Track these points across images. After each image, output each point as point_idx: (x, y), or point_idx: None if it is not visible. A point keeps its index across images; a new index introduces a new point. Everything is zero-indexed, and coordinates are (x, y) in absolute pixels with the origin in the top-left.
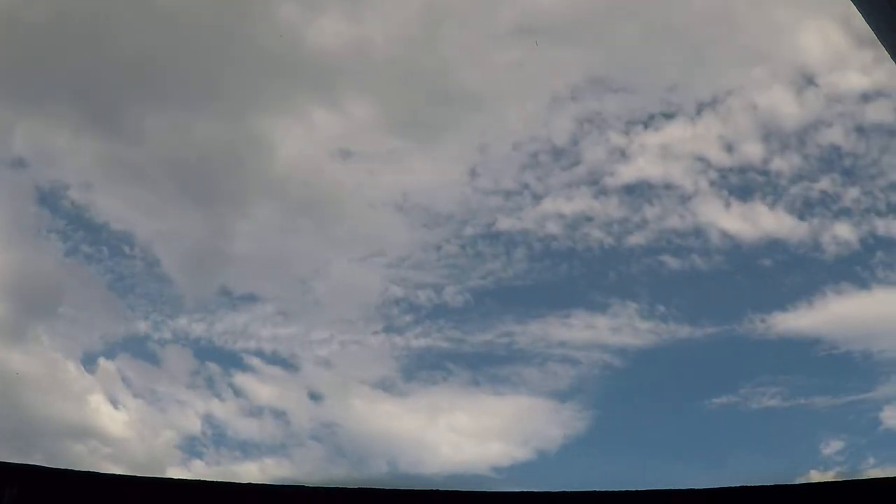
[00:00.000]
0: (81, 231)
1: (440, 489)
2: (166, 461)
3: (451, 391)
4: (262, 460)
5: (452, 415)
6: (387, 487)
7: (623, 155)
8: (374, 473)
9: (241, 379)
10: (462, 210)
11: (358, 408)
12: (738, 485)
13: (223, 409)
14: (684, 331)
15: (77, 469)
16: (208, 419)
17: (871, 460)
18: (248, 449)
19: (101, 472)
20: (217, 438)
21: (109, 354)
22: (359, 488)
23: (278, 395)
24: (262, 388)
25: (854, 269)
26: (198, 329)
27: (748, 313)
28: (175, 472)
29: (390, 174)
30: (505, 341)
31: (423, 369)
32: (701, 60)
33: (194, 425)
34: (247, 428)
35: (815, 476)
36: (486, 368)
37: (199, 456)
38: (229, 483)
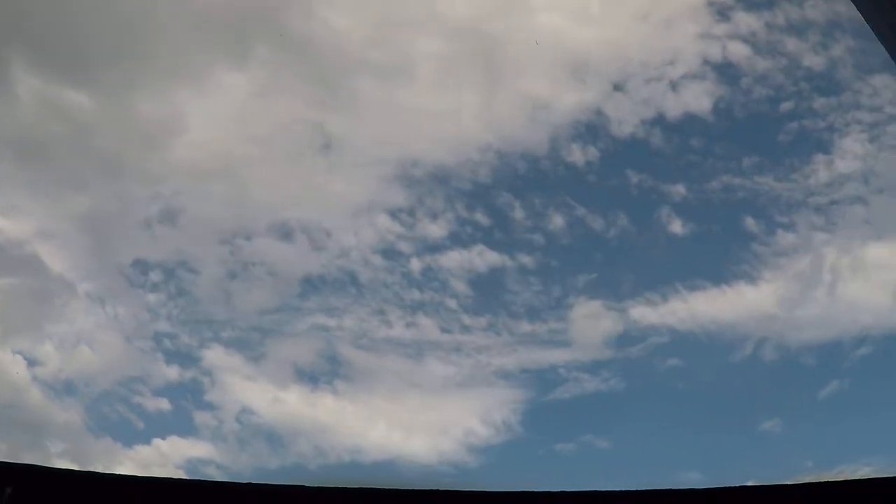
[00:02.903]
0: None
1: (440, 489)
2: None
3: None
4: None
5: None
6: (387, 487)
7: None
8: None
9: None
10: None
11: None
12: (738, 485)
13: None
14: None
15: (74, 469)
16: None
17: None
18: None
19: (100, 472)
20: None
21: None
22: (359, 488)
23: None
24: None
25: None
26: None
27: None
28: None
29: None
30: None
31: None
32: None
33: None
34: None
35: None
36: None
37: None
38: (229, 483)
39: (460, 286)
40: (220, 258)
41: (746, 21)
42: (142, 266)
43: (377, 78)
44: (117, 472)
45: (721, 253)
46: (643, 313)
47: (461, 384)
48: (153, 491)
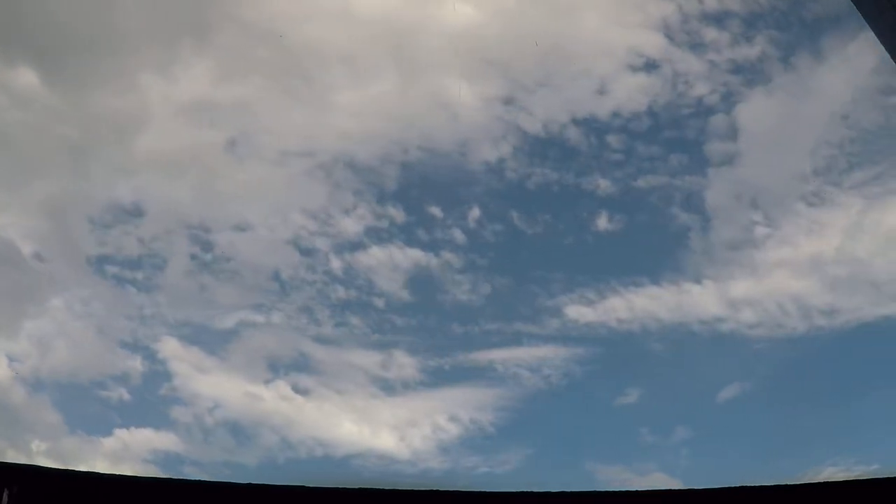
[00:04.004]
0: None
1: (440, 489)
2: None
3: None
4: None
5: None
6: (387, 488)
7: None
8: None
9: None
10: None
11: None
12: (738, 485)
13: None
14: None
15: (76, 469)
16: None
17: None
18: None
19: (101, 472)
20: None
21: None
22: (359, 488)
23: None
24: None
25: None
26: None
27: None
28: None
29: None
30: None
31: None
32: None
33: None
34: None
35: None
36: None
37: None
38: (229, 483)
39: (386, 284)
40: (182, 253)
41: (665, 13)
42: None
43: (283, 73)
44: (117, 473)
45: (651, 249)
46: (580, 312)
47: (421, 384)
48: (153, 491)
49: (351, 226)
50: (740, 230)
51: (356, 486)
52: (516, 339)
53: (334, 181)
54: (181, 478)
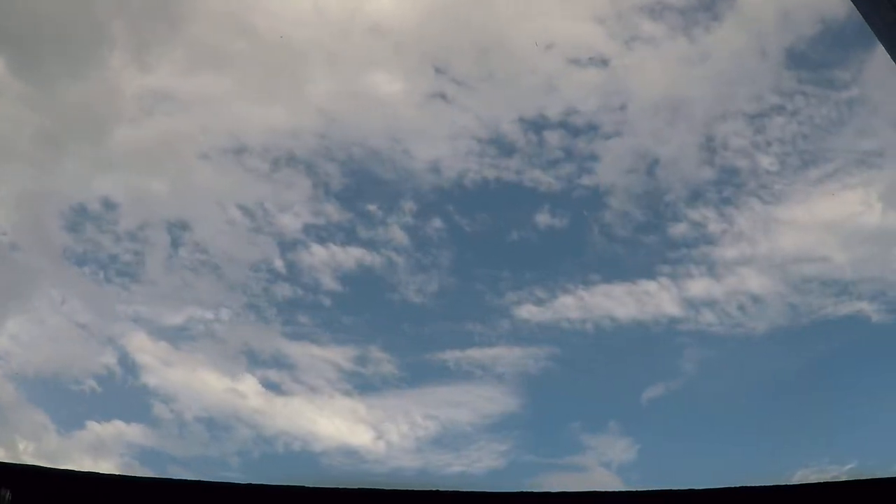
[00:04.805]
0: None
1: (440, 489)
2: None
3: None
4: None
5: None
6: (386, 488)
7: None
8: None
9: None
10: None
11: None
12: (738, 485)
13: None
14: None
15: (74, 469)
16: None
17: None
18: None
19: (100, 472)
20: None
21: None
22: (359, 488)
23: None
24: None
25: None
26: None
27: None
28: None
29: None
30: None
31: None
32: None
33: None
34: None
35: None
36: None
37: None
38: (229, 483)
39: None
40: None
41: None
42: None
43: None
44: (118, 473)
45: (601, 247)
46: (531, 312)
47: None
48: (153, 491)
49: (290, 222)
50: (695, 227)
51: (356, 487)
52: (468, 339)
53: (271, 177)
54: (181, 478)
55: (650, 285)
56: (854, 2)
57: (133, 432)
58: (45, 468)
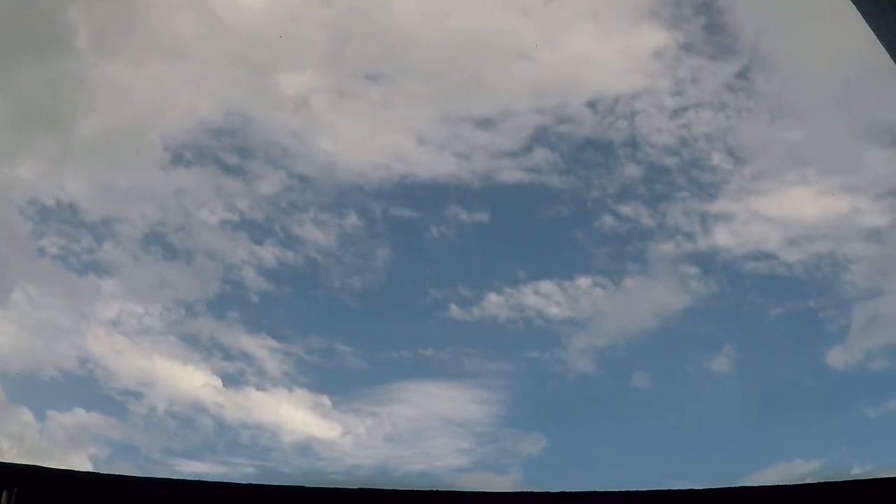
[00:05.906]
0: None
1: (440, 489)
2: None
3: None
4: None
5: None
6: (387, 488)
7: None
8: None
9: None
10: None
11: None
12: (738, 485)
13: None
14: None
15: (77, 469)
16: None
17: None
18: None
19: (101, 472)
20: None
21: None
22: (359, 488)
23: None
24: None
25: None
26: None
27: None
28: None
29: None
30: None
31: None
32: None
33: None
34: None
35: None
36: None
37: None
38: (229, 483)
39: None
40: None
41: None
42: None
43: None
44: (118, 473)
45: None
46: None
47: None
48: (153, 491)
49: (209, 218)
50: (628, 222)
51: (356, 487)
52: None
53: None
54: (181, 478)
55: (582, 281)
56: (855, 3)
57: (91, 420)
58: (46, 468)
